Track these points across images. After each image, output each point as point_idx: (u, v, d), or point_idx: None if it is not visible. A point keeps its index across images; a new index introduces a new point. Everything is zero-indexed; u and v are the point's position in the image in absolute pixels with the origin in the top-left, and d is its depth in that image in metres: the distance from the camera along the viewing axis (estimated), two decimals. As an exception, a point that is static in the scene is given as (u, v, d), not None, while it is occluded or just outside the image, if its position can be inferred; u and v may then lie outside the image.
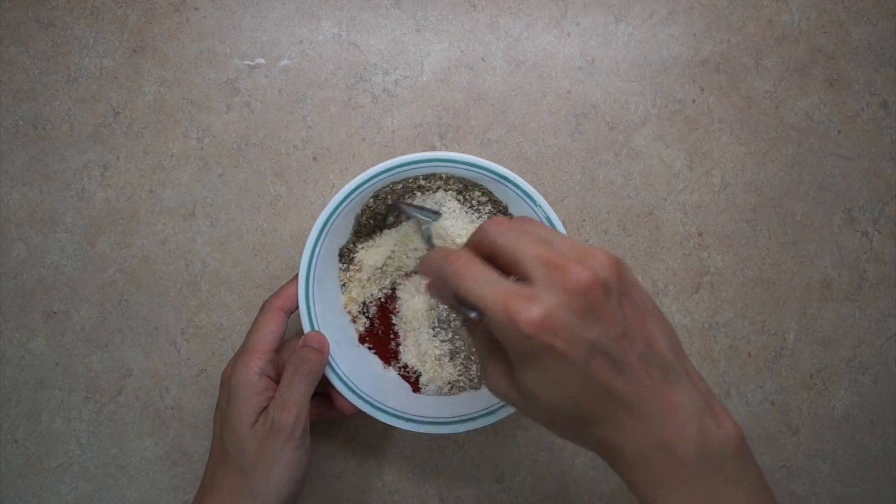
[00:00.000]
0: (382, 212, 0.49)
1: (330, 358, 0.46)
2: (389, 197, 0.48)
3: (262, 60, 0.57)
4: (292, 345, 0.47)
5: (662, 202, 0.56)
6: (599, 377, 0.31)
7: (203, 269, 0.55)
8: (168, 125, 0.56)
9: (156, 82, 0.56)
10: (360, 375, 0.48)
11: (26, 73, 0.56)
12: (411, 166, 0.46)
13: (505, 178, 0.46)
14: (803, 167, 0.57)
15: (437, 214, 0.47)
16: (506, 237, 0.33)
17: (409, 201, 0.48)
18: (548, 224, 0.46)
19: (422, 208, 0.47)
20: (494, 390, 0.34)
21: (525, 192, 0.46)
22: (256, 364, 0.44)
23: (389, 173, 0.46)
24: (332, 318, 0.48)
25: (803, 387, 0.55)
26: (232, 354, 0.55)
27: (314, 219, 0.55)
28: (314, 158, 0.56)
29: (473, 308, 0.32)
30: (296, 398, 0.43)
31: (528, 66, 0.57)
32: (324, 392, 0.47)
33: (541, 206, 0.46)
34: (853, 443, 0.55)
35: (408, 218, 0.48)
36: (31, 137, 0.56)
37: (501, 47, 0.57)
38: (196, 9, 0.57)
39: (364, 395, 0.47)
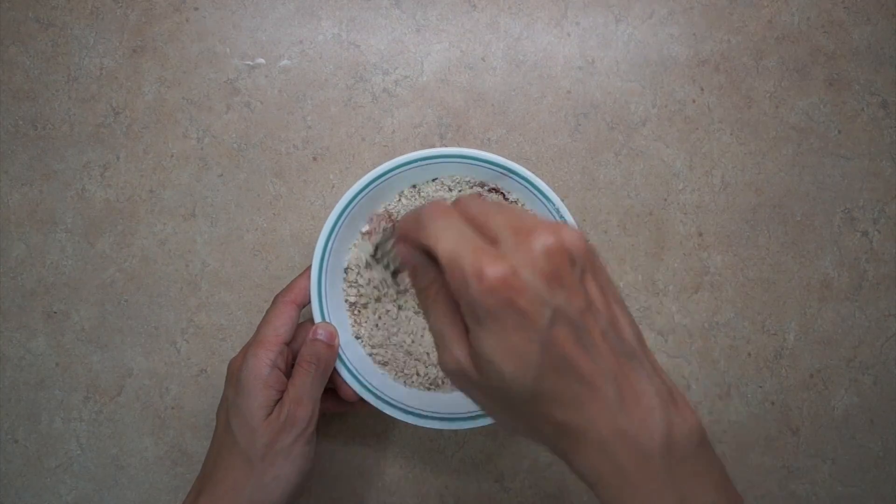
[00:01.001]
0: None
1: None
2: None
3: (262, 60, 0.57)
4: (303, 332, 0.47)
5: (662, 202, 0.56)
6: (562, 347, 0.29)
7: (203, 269, 0.55)
8: (168, 125, 0.56)
9: (156, 82, 0.56)
10: (365, 366, 0.48)
11: (26, 73, 0.56)
12: (433, 160, 0.47)
13: (527, 179, 0.48)
14: (803, 167, 0.57)
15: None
16: (479, 206, 0.32)
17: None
18: (559, 218, 0.47)
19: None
20: (448, 365, 0.32)
21: (540, 191, 0.48)
22: (268, 356, 0.43)
23: (409, 166, 0.47)
24: (340, 310, 0.49)
25: (803, 387, 0.55)
26: (232, 354, 0.55)
27: (314, 219, 0.56)
28: (314, 158, 0.56)
29: (433, 259, 0.31)
30: (310, 393, 0.43)
31: (528, 66, 0.57)
32: (327, 385, 0.48)
33: (552, 201, 0.47)
34: (853, 443, 0.55)
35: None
36: (31, 137, 0.56)
37: (501, 47, 0.57)
38: (196, 9, 0.57)
39: (369, 386, 0.47)
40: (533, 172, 0.48)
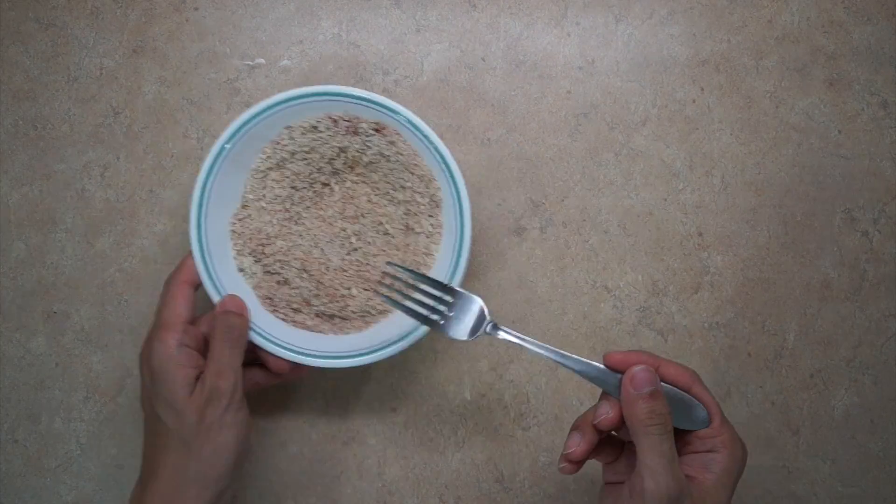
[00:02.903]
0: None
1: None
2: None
3: (262, 60, 0.57)
4: (208, 318, 0.47)
5: (662, 202, 0.56)
6: None
7: (203, 269, 0.55)
8: (168, 125, 0.56)
9: (156, 82, 0.56)
10: (275, 328, 0.48)
11: (26, 73, 0.56)
12: (291, 103, 0.47)
13: (390, 108, 0.47)
14: (803, 167, 0.57)
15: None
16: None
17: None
18: (438, 156, 0.47)
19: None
20: (669, 489, 0.37)
21: (419, 130, 0.47)
22: (173, 337, 0.43)
23: (270, 112, 0.47)
24: (233, 279, 0.49)
25: (803, 387, 0.55)
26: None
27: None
28: (314, 158, 0.56)
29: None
30: (229, 363, 0.44)
31: (528, 66, 0.57)
32: (253, 361, 0.48)
33: (431, 141, 0.47)
34: (853, 443, 0.55)
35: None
36: (31, 137, 0.56)
37: (501, 47, 0.57)
38: (196, 9, 0.57)
39: (292, 347, 0.47)
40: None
